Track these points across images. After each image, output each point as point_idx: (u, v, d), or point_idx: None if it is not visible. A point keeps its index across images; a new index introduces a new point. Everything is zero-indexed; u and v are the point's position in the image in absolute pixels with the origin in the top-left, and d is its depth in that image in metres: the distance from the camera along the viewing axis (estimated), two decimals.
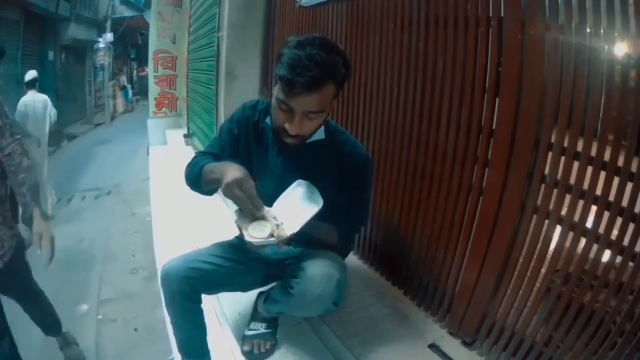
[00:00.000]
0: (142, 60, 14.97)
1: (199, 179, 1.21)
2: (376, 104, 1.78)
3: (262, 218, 1.07)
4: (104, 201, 4.34)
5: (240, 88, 3.07)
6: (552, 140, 1.17)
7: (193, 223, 2.69)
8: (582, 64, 1.07)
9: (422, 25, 1.53)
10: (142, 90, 13.05)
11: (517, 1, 1.19)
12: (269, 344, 1.49)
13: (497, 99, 1.30)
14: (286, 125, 1.12)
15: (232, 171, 1.05)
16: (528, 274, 1.27)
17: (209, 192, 1.26)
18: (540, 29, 1.14)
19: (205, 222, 2.64)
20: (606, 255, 1.07)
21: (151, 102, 5.76)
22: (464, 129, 1.40)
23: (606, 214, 1.06)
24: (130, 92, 14.63)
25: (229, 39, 2.94)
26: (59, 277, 2.44)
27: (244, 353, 1.47)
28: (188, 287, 1.26)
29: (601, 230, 1.07)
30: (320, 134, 1.26)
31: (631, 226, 1.01)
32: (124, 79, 14.40)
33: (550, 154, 1.18)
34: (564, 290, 1.17)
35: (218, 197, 3.09)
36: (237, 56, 3.01)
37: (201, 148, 3.93)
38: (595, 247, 1.09)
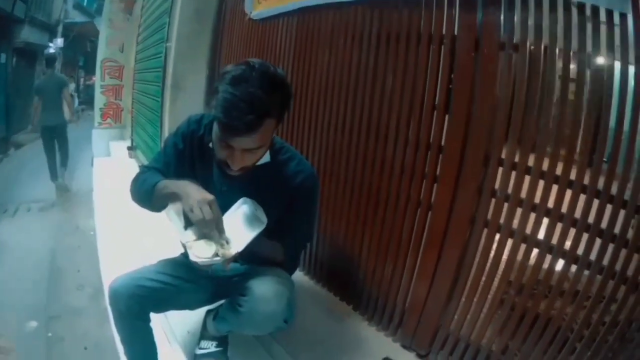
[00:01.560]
0: (90, 69, 14.01)
1: (150, 195, 1.12)
2: (323, 120, 1.68)
3: (208, 237, 1.00)
4: (49, 213, 4.09)
5: (186, 100, 2.89)
6: (503, 155, 1.14)
7: (138, 238, 2.53)
8: (535, 81, 1.04)
9: (374, 41, 1.46)
10: (88, 100, 12.09)
11: (473, 20, 1.15)
12: None
13: (447, 116, 1.25)
14: (228, 161, 1.04)
15: (200, 191, 1.00)
16: (480, 285, 1.22)
17: (159, 208, 1.19)
18: (495, 48, 1.11)
19: (151, 237, 2.48)
20: (560, 265, 1.05)
21: (97, 112, 5.33)
22: (412, 146, 1.35)
23: (559, 225, 1.04)
24: (77, 101, 13.54)
25: (177, 50, 2.77)
26: (6, 292, 2.35)
27: None
28: (137, 306, 1.15)
29: (554, 241, 1.05)
30: (265, 158, 1.16)
31: (585, 235, 1.00)
32: (72, 87, 13.33)
33: (500, 169, 1.15)
34: (517, 300, 1.14)
35: (162, 214, 2.87)
36: (184, 68, 2.84)
37: (145, 161, 3.75)
38: (549, 257, 1.07)
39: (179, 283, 1.24)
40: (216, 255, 0.98)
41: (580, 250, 1.00)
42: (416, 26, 1.30)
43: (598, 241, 0.98)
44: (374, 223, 1.49)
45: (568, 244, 1.02)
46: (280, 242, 1.21)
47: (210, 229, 0.98)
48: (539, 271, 1.08)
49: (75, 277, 2.69)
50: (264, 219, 1.06)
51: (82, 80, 16.13)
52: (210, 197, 0.99)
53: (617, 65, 0.93)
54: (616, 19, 0.92)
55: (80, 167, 5.73)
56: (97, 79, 5.30)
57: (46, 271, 2.74)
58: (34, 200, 4.45)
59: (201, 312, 1.45)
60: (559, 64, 1.00)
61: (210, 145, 1.13)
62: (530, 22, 1.03)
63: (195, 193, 0.99)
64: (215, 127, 1.03)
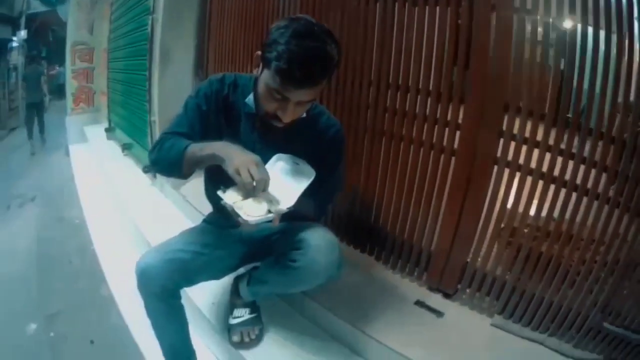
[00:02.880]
0: (53, 59, 13.31)
1: (180, 161, 1.09)
2: (346, 77, 1.71)
3: (254, 195, 1.00)
4: (30, 208, 3.87)
5: (175, 71, 2.85)
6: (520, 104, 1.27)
7: (131, 218, 2.50)
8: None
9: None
10: (53, 90, 11.56)
11: None
12: (257, 329, 1.39)
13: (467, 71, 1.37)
14: (278, 113, 1.06)
15: (244, 152, 1.01)
16: (503, 223, 1.37)
17: (188, 174, 1.15)
18: (509, 10, 1.25)
19: (145, 216, 2.46)
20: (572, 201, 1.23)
21: (69, 98, 5.22)
22: (434, 97, 1.45)
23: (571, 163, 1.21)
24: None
25: (164, 21, 2.71)
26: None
27: (234, 344, 1.36)
28: (170, 282, 1.14)
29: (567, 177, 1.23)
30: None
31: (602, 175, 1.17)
32: None
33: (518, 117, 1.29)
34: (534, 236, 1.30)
35: (154, 188, 2.83)
36: (171, 39, 2.79)
37: (126, 140, 3.69)
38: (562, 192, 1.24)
39: (209, 251, 1.25)
40: (269, 212, 0.99)
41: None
42: None
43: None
44: (398, 173, 1.58)
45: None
46: (314, 195, 1.19)
47: (258, 190, 0.98)
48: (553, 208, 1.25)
49: (67, 269, 2.57)
50: (312, 171, 1.09)
51: (45, 71, 15.51)
52: (255, 157, 0.99)
53: None
54: None
55: (54, 159, 5.55)
56: (67, 64, 5.20)
57: (35, 268, 2.60)
58: (11, 198, 4.29)
59: (221, 282, 1.46)
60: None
61: (248, 102, 1.17)
62: None
63: (239, 155, 0.99)
64: (268, 79, 1.02)
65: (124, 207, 2.69)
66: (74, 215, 3.34)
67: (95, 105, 5.30)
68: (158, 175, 2.85)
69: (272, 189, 1.02)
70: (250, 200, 0.99)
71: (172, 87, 2.83)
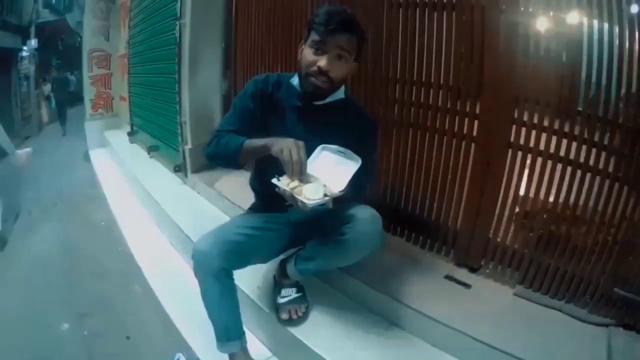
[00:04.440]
0: (63, 67, 13.70)
1: (237, 155, 1.30)
2: (374, 75, 1.91)
3: (308, 181, 1.17)
4: (53, 213, 3.92)
5: (204, 73, 3.08)
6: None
7: (167, 217, 2.62)
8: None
9: (415, 8, 1.74)
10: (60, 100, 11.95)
11: None
12: (304, 307, 1.54)
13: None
14: (319, 63, 1.28)
15: (289, 139, 1.19)
16: (519, 201, 1.60)
17: (241, 165, 1.37)
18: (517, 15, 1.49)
19: (182, 214, 2.60)
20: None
21: (87, 104, 5.46)
22: (454, 92, 1.68)
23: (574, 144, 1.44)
24: (53, 102, 13.31)
25: (192, 26, 2.93)
26: (29, 298, 2.28)
27: (283, 321, 1.50)
28: (226, 263, 1.28)
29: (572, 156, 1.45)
30: (340, 94, 1.42)
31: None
32: (48, 88, 13.02)
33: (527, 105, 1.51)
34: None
35: (186, 187, 3.02)
36: (199, 42, 3.00)
37: (152, 142, 3.85)
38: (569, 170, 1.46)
39: (262, 233, 1.42)
40: (325, 195, 1.13)
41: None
42: None
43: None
44: (424, 160, 1.80)
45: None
46: (355, 180, 1.31)
47: (301, 170, 1.15)
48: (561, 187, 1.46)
49: (97, 268, 2.61)
50: (357, 158, 1.21)
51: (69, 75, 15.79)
52: (295, 141, 1.17)
53: None
54: None
55: (73, 164, 5.66)
56: (84, 70, 5.42)
57: (63, 269, 2.65)
58: (34, 204, 4.27)
59: (262, 269, 1.67)
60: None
61: (293, 81, 1.41)
62: None
63: (283, 140, 1.19)
64: (309, 40, 1.30)
65: (158, 207, 2.81)
66: (99, 218, 3.43)
67: (115, 111, 5.55)
68: (189, 174, 3.06)
69: (324, 175, 1.19)
70: (308, 186, 1.15)
71: (201, 89, 3.08)
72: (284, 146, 1.16)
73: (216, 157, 1.38)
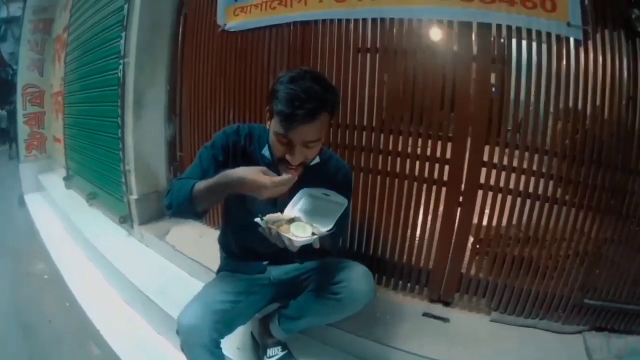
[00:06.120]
0: None
1: (189, 199, 1.18)
2: (358, 123, 1.94)
3: (293, 221, 1.16)
4: None
5: (148, 117, 2.89)
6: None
7: (116, 271, 2.47)
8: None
9: (380, 54, 1.85)
10: None
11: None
12: None
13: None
14: (287, 157, 1.19)
15: (250, 169, 1.10)
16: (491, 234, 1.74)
17: (201, 213, 1.24)
18: (488, 62, 1.64)
19: (132, 267, 2.44)
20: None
21: (21, 144, 5.07)
22: (424, 139, 1.78)
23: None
24: None
25: (138, 65, 2.74)
26: None
27: None
28: (216, 333, 1.24)
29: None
30: (316, 159, 1.33)
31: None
32: None
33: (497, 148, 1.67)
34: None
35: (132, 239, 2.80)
36: (144, 83, 2.82)
37: (89, 189, 3.60)
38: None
39: (243, 297, 1.38)
40: (313, 233, 1.12)
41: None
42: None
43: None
44: (396, 205, 1.86)
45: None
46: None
47: (283, 190, 1.10)
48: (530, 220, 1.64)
49: (49, 329, 2.40)
50: (343, 199, 1.21)
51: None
52: (261, 167, 1.10)
53: None
54: None
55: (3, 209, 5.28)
56: (19, 107, 5.08)
57: (13, 332, 2.41)
58: None
59: (239, 328, 1.52)
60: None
61: (265, 152, 1.31)
62: None
63: (243, 169, 1.09)
64: (274, 125, 1.18)
65: (105, 261, 2.61)
66: (41, 270, 3.16)
67: (48, 152, 5.19)
68: (136, 226, 2.85)
69: (311, 215, 1.19)
70: (295, 224, 1.14)
71: (146, 135, 2.87)
72: (249, 178, 1.08)
73: (171, 206, 1.26)
